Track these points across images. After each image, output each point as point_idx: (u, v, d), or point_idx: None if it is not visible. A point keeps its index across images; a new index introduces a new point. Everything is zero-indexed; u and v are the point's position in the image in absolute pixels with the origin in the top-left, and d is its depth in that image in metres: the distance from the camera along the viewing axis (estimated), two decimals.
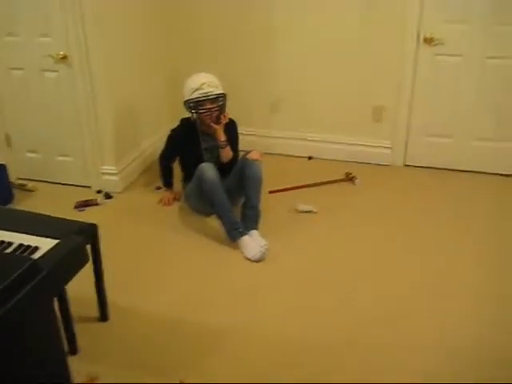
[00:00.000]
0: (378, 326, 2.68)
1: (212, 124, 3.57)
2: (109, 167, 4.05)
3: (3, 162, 3.93)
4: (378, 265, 3.21)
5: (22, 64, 3.87)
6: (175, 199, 3.96)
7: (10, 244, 1.91)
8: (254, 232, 3.38)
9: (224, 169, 3.60)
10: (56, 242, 1.90)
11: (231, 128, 3.72)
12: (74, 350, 2.53)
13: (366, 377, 2.36)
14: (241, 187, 3.49)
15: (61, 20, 3.63)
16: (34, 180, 4.21)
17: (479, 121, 4.22)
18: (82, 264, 1.93)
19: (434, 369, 2.41)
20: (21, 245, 1.90)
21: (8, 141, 4.19)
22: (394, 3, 4.03)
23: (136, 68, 4.22)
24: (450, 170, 4.37)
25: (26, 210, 3.31)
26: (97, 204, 3.89)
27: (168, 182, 3.96)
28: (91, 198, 3.94)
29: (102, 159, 4.04)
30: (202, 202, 3.57)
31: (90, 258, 2.55)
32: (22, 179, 4.19)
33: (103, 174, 4.07)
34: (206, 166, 3.41)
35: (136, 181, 4.28)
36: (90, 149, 4.02)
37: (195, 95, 3.49)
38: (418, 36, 4.07)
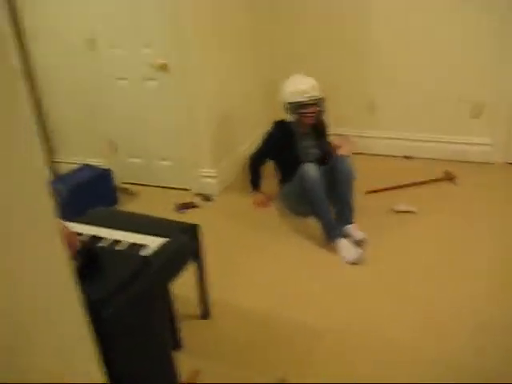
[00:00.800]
0: (461, 340, 2.58)
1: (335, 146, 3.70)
2: (207, 170, 4.16)
3: (109, 167, 4.16)
4: (472, 272, 3.07)
5: (126, 74, 4.08)
6: (269, 199, 4.00)
7: (121, 242, 2.02)
8: (350, 226, 3.39)
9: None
10: (164, 240, 1.98)
11: (324, 128, 3.85)
12: (178, 345, 2.63)
13: None
14: (333, 183, 3.48)
15: (161, 30, 3.78)
16: (136, 184, 4.41)
17: None
18: (187, 261, 2.01)
19: None
20: (132, 243, 2.00)
21: (113, 147, 4.42)
22: None
23: (234, 73, 4.33)
24: None
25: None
26: (197, 206, 4.01)
27: (256, 184, 4.00)
28: (191, 200, 4.07)
29: (200, 163, 4.16)
30: (300, 203, 3.60)
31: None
32: (125, 183, 4.40)
33: (202, 177, 4.18)
34: (309, 165, 3.43)
35: (233, 184, 4.37)
36: (188, 153, 4.15)
37: (300, 98, 3.54)
38: None
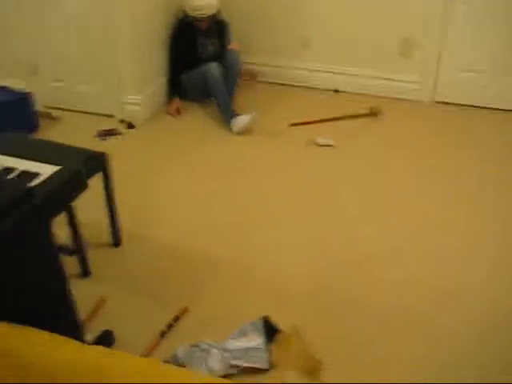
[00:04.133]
0: (376, 262, 2.72)
1: None
2: (132, 97, 4.06)
3: (29, 90, 3.99)
4: (380, 202, 3.19)
5: None
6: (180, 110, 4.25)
7: (13, 170, 1.97)
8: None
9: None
10: (57, 168, 1.94)
11: (224, 28, 4.36)
12: (86, 273, 2.64)
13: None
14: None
15: None
16: (59, 108, 4.27)
17: None
18: (79, 190, 1.97)
19: None
20: (23, 171, 1.95)
21: (35, 70, 4.23)
22: None
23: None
24: (480, 107, 4.21)
25: (43, 138, 3.42)
26: (119, 133, 3.94)
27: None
28: (114, 127, 3.99)
29: (124, 89, 4.05)
30: (199, 92, 4.17)
31: (102, 185, 2.63)
32: (48, 107, 4.25)
33: (126, 103, 4.08)
34: (212, 64, 3.96)
35: (159, 111, 4.28)
36: (113, 78, 4.03)
37: (194, 14, 4.07)
38: None
